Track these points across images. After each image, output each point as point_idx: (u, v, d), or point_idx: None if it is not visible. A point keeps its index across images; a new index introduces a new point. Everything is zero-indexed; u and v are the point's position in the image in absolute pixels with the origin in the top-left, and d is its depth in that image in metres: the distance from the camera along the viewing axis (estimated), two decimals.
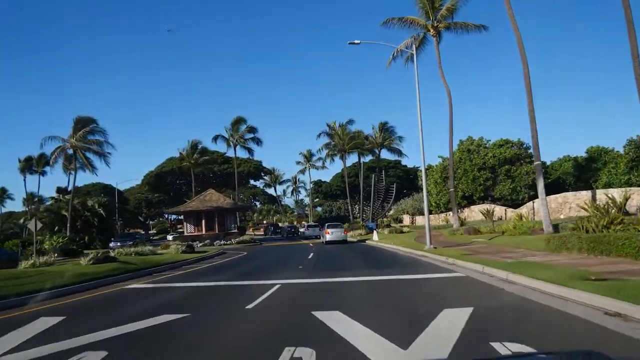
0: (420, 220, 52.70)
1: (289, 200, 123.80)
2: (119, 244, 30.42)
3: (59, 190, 64.98)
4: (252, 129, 54.15)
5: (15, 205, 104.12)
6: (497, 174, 42.27)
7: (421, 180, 54.14)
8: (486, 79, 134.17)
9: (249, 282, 12.56)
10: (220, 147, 58.06)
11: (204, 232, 42.42)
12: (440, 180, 42.71)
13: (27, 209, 68.41)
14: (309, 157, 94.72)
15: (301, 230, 53.07)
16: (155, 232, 78.38)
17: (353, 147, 57.85)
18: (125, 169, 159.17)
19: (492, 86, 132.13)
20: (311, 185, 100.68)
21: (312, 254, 23.21)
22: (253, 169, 67.18)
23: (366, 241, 34.05)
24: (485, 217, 36.41)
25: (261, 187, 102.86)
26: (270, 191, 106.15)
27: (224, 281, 13.35)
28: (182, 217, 45.56)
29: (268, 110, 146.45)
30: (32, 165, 63.50)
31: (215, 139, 52.93)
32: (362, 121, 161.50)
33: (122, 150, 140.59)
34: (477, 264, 12.53)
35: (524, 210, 30.78)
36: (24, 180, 65.93)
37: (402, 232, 40.18)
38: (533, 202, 30.10)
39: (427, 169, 53.38)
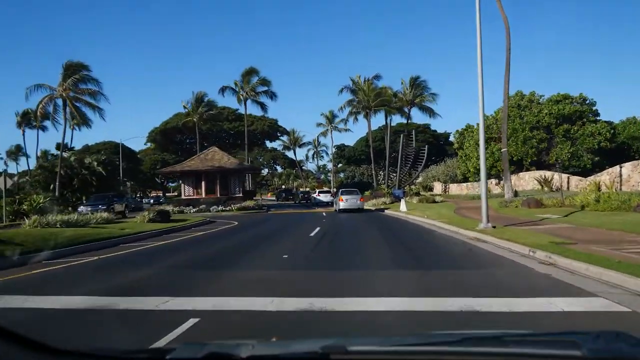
0: (454, 188, 45.96)
1: (312, 166, 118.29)
2: (89, 207, 25.03)
3: (59, 146, 60.80)
4: (265, 82, 47.60)
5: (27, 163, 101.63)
6: (554, 134, 34.85)
7: (458, 145, 47.25)
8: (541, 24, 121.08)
9: (139, 305, 5.84)
10: (230, 102, 52.24)
11: (203, 195, 37.04)
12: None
13: (28, 167, 64.72)
14: (331, 118, 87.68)
15: (313, 196, 48.36)
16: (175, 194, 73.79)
17: (379, 104, 50.71)
18: (133, 128, 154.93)
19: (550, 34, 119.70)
20: (333, 150, 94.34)
21: (317, 229, 17.19)
22: (267, 128, 60.95)
23: (386, 211, 27.85)
24: (542, 186, 29.50)
25: (281, 150, 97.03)
26: (290, 154, 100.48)
27: (100, 296, 6.43)
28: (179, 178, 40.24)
29: (286, 68, 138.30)
30: (31, 120, 59.08)
31: (222, 90, 46.75)
32: (389, 79, 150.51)
33: (131, 107, 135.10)
34: (625, 274, 6.16)
35: (603, 177, 23.68)
36: (23, 136, 61.83)
37: (434, 201, 33.73)
38: (620, 168, 23.03)
39: (465, 130, 46.05)
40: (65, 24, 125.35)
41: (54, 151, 59.45)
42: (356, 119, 56.53)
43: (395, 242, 13.19)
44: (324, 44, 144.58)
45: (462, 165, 41.60)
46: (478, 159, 36.62)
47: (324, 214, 28.88)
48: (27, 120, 60.67)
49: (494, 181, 36.67)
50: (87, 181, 52.13)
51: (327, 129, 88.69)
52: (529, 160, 33.69)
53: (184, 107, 46.71)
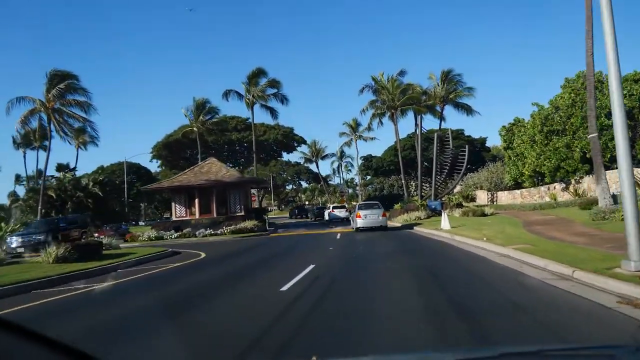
0: (504, 197, 37.91)
1: (339, 180, 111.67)
2: (21, 238, 18.88)
3: (60, 167, 56.36)
4: (274, 83, 41.35)
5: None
6: (638, 121, 26.73)
7: (505, 143, 38.35)
8: None
9: None
10: (238, 109, 46.33)
11: (197, 215, 30.73)
12: (540, 136, 27.81)
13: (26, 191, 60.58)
14: (355, 127, 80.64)
15: (327, 212, 42.42)
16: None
17: (406, 102, 43.54)
18: (145, 145, 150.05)
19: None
20: (360, 161, 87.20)
21: (308, 269, 10.26)
22: (281, 137, 54.49)
23: (421, 228, 20.49)
24: None
25: (303, 164, 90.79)
26: (313, 167, 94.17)
27: None
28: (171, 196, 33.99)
29: (300, 75, 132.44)
30: (31, 140, 54.98)
31: (226, 95, 40.73)
32: (415, 77, 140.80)
33: (139, 123, 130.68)
34: None
35: None
36: (24, 157, 57.72)
37: (483, 214, 26.13)
38: None
39: (514, 125, 37.48)
40: (59, 33, 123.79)
41: (56, 173, 55.03)
42: (381, 122, 49.37)
43: (458, 319, 5.97)
44: (340, 49, 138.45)
45: (512, 169, 33.74)
46: (537, 158, 28.95)
47: (337, 235, 21.86)
48: (27, 140, 56.65)
49: (557, 186, 28.70)
50: (82, 204, 47.22)
51: (352, 139, 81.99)
52: (608, 156, 25.68)
53: (185, 115, 41.11)
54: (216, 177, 31.37)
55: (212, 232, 25.75)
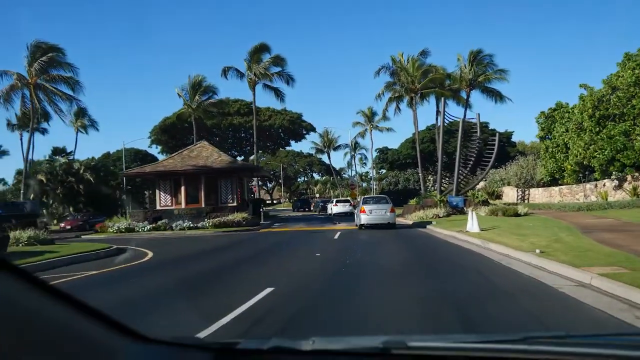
0: (539, 194, 33.09)
1: (353, 173, 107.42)
2: None
3: (56, 151, 53.31)
4: (278, 60, 37.14)
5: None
6: None
7: (543, 132, 32.68)
8: None
9: None
10: (240, 92, 42.39)
11: (183, 204, 26.89)
12: (590, 122, 22.93)
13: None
14: (370, 116, 76.09)
15: (329, 206, 39.68)
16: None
17: (428, 85, 38.91)
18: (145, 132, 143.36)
19: None
20: (375, 154, 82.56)
21: (266, 293, 6.15)
22: (288, 123, 49.86)
23: (439, 230, 16.06)
24: None
25: (314, 154, 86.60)
26: (324, 158, 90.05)
27: None
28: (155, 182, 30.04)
29: (312, 61, 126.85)
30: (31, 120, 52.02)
31: (224, 72, 36.70)
32: (439, 58, 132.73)
33: (142, 109, 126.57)
34: None
35: None
36: (20, 139, 54.71)
37: (516, 214, 21.65)
38: None
39: (555, 111, 32.36)
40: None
41: (53, 158, 51.97)
42: (398, 108, 44.73)
43: None
44: (353, 33, 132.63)
45: (549, 162, 28.97)
46: (586, 148, 23.91)
47: (336, 234, 17.71)
48: (26, 121, 53.65)
49: (607, 183, 23.91)
50: (73, 189, 44.07)
51: (366, 129, 77.39)
52: None
53: (179, 95, 37.17)
54: (205, 162, 27.45)
55: (192, 225, 21.85)
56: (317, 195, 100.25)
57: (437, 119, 45.11)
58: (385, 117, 72.61)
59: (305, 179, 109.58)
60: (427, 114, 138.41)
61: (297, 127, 50.36)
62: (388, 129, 76.25)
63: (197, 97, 36.87)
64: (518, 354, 1.17)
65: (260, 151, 57.82)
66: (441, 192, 29.43)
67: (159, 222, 22.05)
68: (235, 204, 27.12)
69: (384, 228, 18.87)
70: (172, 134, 47.36)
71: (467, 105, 43.18)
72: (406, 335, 1.63)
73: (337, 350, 1.26)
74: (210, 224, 21.59)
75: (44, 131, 55.92)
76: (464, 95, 42.57)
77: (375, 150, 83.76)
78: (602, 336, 1.79)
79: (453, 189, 29.04)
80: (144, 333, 1.07)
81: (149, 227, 21.81)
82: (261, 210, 28.91)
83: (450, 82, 41.53)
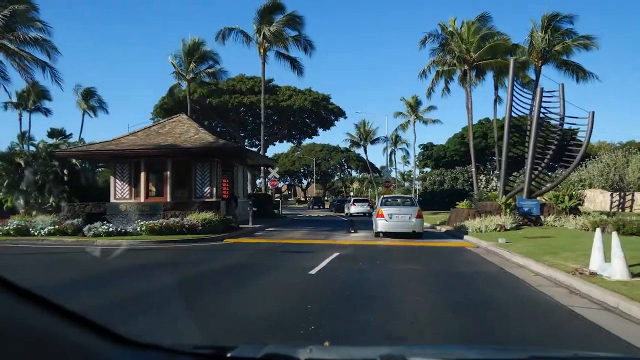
0: None
1: (399, 167, 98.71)
2: None
3: (53, 133, 48.25)
4: (293, 21, 29.25)
5: None
6: None
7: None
8: None
9: None
10: (249, 67, 34.67)
11: (142, 198, 19.69)
12: None
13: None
14: (414, 105, 66.91)
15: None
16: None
17: (486, 55, 29.95)
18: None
19: None
20: (418, 150, 73.21)
21: None
22: (311, 105, 41.41)
23: (493, 249, 7.87)
24: None
25: (350, 148, 78.40)
26: (360, 152, 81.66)
27: None
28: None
29: (343, 41, 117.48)
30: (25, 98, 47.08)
31: (222, 35, 29.29)
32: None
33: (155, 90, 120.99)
34: None
35: None
36: (20, 122, 50.06)
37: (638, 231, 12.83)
38: None
39: None
40: None
41: (49, 139, 46.78)
42: (447, 89, 35.77)
43: None
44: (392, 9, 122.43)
45: None
46: None
47: (336, 253, 10.00)
48: (23, 101, 48.96)
49: None
50: (58, 175, 38.42)
51: (409, 120, 68.26)
52: None
53: (172, 65, 30.14)
54: (176, 141, 20.11)
55: (121, 230, 14.42)
56: (351, 193, 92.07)
57: (495, 105, 35.96)
58: (430, 107, 63.68)
59: (342, 175, 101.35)
60: (479, 106, 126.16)
61: (323, 110, 42.01)
62: (434, 121, 66.15)
63: (192, 65, 29.68)
64: None
65: (285, 141, 50.45)
66: (506, 194, 20.63)
67: (96, 223, 14.76)
68: (214, 199, 19.61)
69: (408, 238, 14.60)
70: (174, 113, 40.32)
71: (537, 83, 33.59)
72: (407, 347, 1.48)
73: None
74: (145, 228, 14.11)
75: (46, 112, 51.24)
76: (531, 74, 33.18)
77: (419, 147, 74.50)
78: (611, 359, 1.66)
79: (523, 189, 20.19)
80: (134, 339, 1.03)
81: (49, 229, 14.62)
82: (253, 209, 21.23)
83: (513, 56, 32.22)
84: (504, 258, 10.27)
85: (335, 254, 10.51)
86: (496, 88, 36.42)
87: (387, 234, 15.02)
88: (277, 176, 41.26)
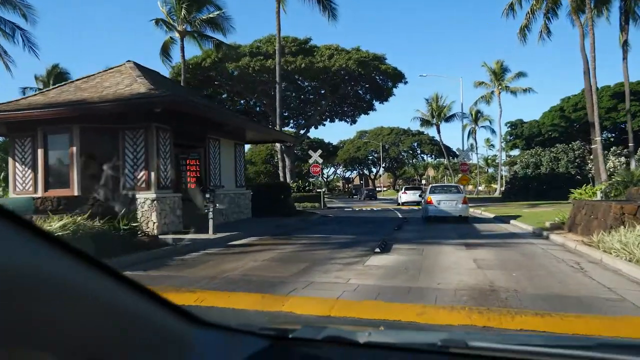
0: None
1: (482, 152, 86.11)
2: None
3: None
4: None
5: None
6: None
7: None
8: None
9: None
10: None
11: (40, 190, 12.25)
12: None
13: None
14: (499, 72, 54.80)
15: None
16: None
17: None
18: None
19: None
20: (506, 129, 60.50)
21: None
22: (356, 65, 30.17)
23: None
24: None
25: (421, 129, 67.94)
26: (432, 132, 70.84)
27: None
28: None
29: None
30: None
31: None
32: None
33: None
34: None
35: None
36: None
37: None
38: None
39: None
40: None
41: None
42: (547, 29, 24.99)
43: None
44: None
45: None
46: None
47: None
48: None
49: None
50: None
51: (493, 91, 56.12)
52: None
53: (161, 10, 22.55)
54: (93, 97, 12.24)
55: None
56: (423, 181, 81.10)
57: (625, 49, 24.29)
58: (519, 74, 51.91)
59: (415, 161, 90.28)
60: (578, 73, 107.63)
61: (375, 73, 32.09)
62: (525, 90, 54.02)
63: (183, 10, 21.88)
64: None
65: (337, 119, 41.63)
66: None
67: None
68: (152, 190, 11.55)
69: (457, 222, 15.18)
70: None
71: None
72: (466, 333, 1.58)
73: (392, 345, 1.20)
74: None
75: None
76: None
77: (505, 125, 62.04)
78: None
79: None
80: (201, 318, 1.06)
81: None
82: (214, 207, 12.84)
83: None
84: None
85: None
86: (626, 22, 24.79)
87: (437, 219, 16.21)
88: (320, 160, 32.71)
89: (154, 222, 11.26)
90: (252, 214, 17.78)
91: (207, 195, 11.20)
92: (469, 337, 1.19)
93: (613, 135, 49.84)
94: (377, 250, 9.14)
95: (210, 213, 11.35)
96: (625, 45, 24.29)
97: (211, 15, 22.17)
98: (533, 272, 6.93)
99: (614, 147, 39.42)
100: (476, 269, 7.17)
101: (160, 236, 10.53)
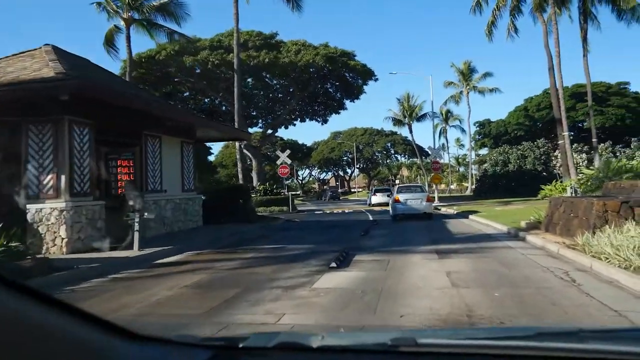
0: None
1: (453, 151, 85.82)
2: None
3: None
4: None
5: None
6: None
7: None
8: None
9: None
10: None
11: None
12: None
13: None
14: (466, 73, 54.24)
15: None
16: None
17: None
18: None
19: None
20: (474, 128, 59.90)
21: None
22: (325, 61, 28.21)
23: None
24: None
25: (394, 130, 66.87)
26: (404, 132, 69.46)
27: None
28: None
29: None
30: None
31: None
32: None
33: None
34: None
35: None
36: None
37: None
38: None
39: None
40: None
41: None
42: (513, 26, 24.14)
43: None
44: None
45: None
46: None
47: None
48: None
49: None
50: None
51: (461, 91, 55.51)
52: None
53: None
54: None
55: None
56: (397, 181, 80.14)
57: (585, 45, 23.46)
58: (485, 74, 51.81)
59: (389, 161, 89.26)
60: (542, 71, 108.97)
61: (344, 69, 30.37)
62: (492, 90, 53.80)
63: None
64: (531, 350, 1.10)
65: (307, 119, 39.77)
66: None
67: None
68: (61, 199, 9.45)
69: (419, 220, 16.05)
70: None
71: None
72: (417, 331, 1.53)
73: (345, 347, 1.22)
74: None
75: None
76: None
77: (474, 124, 61.73)
78: (616, 331, 1.67)
79: None
80: (139, 332, 1.02)
81: None
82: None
83: None
84: None
85: None
86: (585, 21, 24.13)
87: (405, 217, 17.23)
88: (289, 161, 30.90)
89: (63, 238, 9.14)
90: (205, 221, 15.76)
91: (131, 203, 9.15)
92: (419, 335, 1.20)
93: (572, 133, 50.22)
94: (333, 265, 7.41)
95: (136, 224, 9.33)
96: (585, 42, 23.94)
97: (162, 1, 19.96)
98: (518, 290, 5.49)
99: (575, 144, 39.46)
100: (450, 288, 5.61)
101: (67, 256, 8.46)
